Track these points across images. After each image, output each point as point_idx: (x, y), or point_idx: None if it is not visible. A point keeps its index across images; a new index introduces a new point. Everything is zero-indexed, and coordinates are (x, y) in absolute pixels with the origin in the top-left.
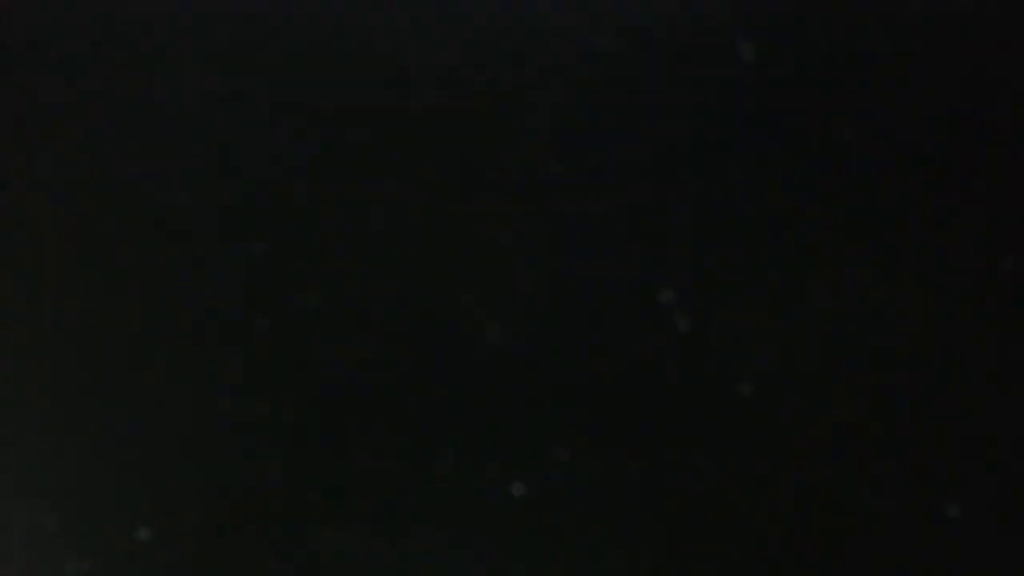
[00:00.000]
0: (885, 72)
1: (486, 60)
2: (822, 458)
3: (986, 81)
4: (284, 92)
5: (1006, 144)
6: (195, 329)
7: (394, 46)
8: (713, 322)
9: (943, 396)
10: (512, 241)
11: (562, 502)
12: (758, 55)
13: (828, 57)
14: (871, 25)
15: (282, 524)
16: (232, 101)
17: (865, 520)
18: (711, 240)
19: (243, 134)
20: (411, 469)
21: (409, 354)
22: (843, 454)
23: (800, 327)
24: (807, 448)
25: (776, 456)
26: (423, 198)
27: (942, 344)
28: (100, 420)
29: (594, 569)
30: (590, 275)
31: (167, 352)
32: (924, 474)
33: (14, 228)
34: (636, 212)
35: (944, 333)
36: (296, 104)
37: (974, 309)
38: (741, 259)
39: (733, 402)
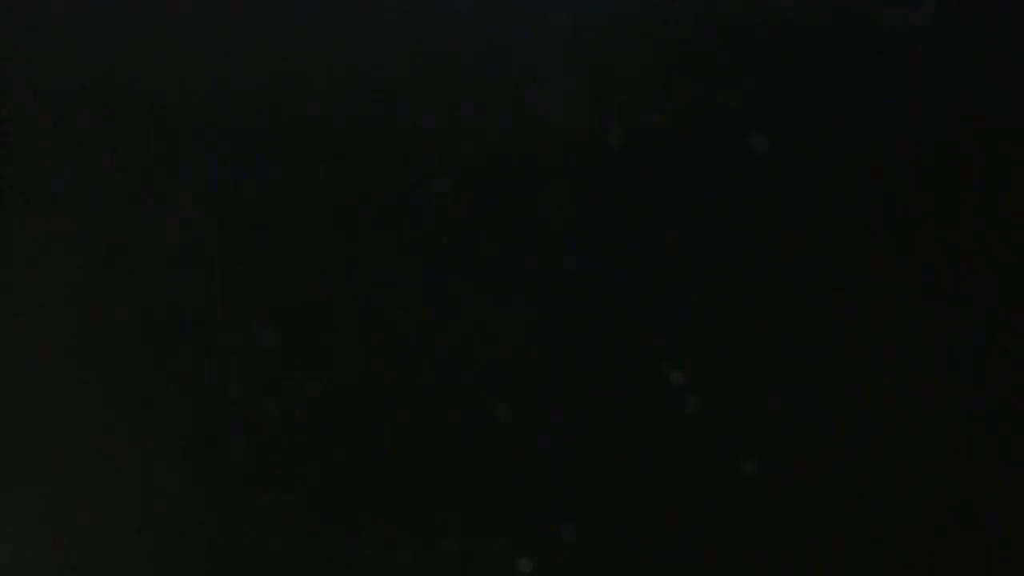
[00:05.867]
0: (895, 163)
1: (500, 155)
2: (825, 538)
3: (992, 172)
4: (295, 181)
5: (1013, 233)
6: (203, 413)
7: (410, 141)
8: (720, 404)
9: (946, 477)
10: (523, 322)
11: None
12: (770, 147)
13: (838, 149)
14: (880, 116)
15: None
16: (241, 188)
17: None
18: (719, 325)
19: (252, 220)
20: (419, 546)
21: (417, 432)
22: (846, 535)
23: (805, 409)
24: (811, 528)
25: (780, 535)
26: (434, 285)
27: (946, 426)
28: (106, 505)
29: None
30: (599, 356)
31: (175, 437)
32: (928, 554)
33: (26, 312)
34: (646, 296)
35: (948, 416)
36: (306, 193)
37: (978, 394)
38: (748, 343)
39: (738, 482)
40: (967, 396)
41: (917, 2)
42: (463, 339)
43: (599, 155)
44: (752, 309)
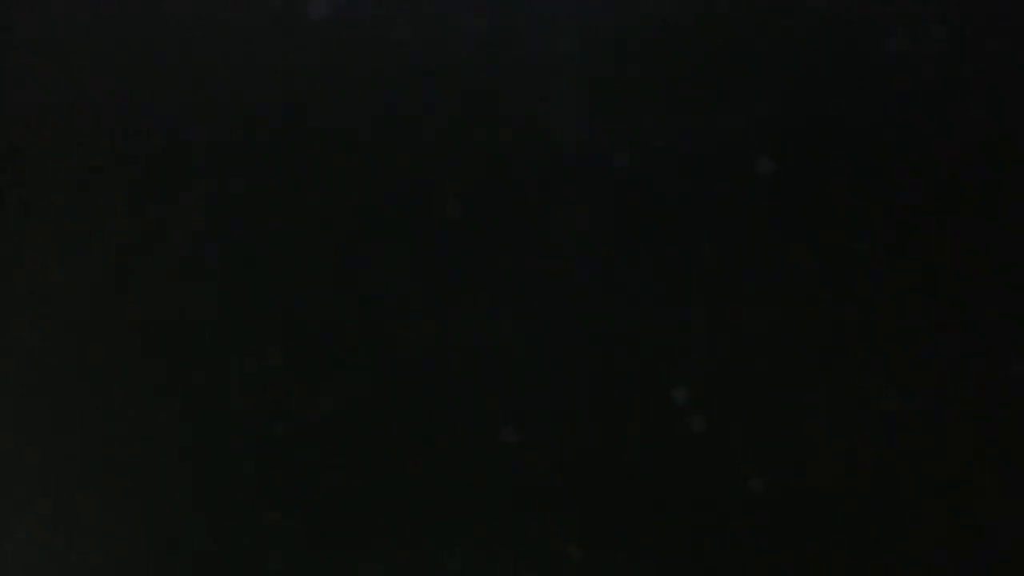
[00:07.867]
0: (901, 186)
1: (507, 176)
2: (834, 556)
3: (999, 196)
4: (300, 194)
5: (1017, 255)
6: (209, 434)
7: (416, 157)
8: (726, 422)
9: (956, 493)
10: (528, 342)
11: None
12: (775, 169)
13: (845, 171)
14: (887, 140)
15: None
16: (246, 198)
17: None
18: (725, 343)
19: (256, 228)
20: (424, 568)
21: (422, 454)
22: (855, 553)
23: (811, 428)
24: (818, 547)
25: (787, 554)
26: (439, 303)
27: (956, 443)
28: (114, 532)
29: None
30: (604, 375)
31: (181, 460)
32: (936, 571)
33: (27, 318)
34: (652, 315)
35: (958, 433)
36: (312, 206)
37: (983, 413)
38: (754, 361)
39: (745, 501)
40: (978, 415)
41: (926, 26)
42: (468, 357)
43: (606, 173)
44: (758, 327)
